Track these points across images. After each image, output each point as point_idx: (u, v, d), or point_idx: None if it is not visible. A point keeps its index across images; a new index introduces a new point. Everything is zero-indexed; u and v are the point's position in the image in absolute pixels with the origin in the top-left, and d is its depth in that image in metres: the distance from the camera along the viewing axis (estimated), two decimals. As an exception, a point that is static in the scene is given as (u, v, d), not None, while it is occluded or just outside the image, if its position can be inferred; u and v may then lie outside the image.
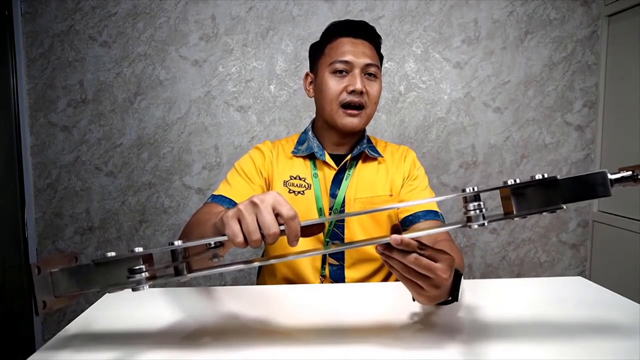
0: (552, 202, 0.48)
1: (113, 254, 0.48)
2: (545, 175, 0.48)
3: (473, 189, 0.48)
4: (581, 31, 1.92)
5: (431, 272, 0.52)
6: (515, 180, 0.48)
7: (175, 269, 0.50)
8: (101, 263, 0.49)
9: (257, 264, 0.52)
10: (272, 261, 0.53)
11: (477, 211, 0.48)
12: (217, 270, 0.51)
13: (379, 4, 1.88)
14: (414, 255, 0.51)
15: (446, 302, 0.63)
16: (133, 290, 0.47)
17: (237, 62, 1.89)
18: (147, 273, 0.47)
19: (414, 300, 0.60)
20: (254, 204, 0.50)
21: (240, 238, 0.49)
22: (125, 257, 0.48)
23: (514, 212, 0.48)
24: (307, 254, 0.54)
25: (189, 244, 0.49)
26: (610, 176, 0.48)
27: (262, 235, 0.49)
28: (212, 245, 0.50)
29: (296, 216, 0.50)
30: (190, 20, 1.86)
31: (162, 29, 1.86)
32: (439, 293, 0.56)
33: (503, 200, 0.50)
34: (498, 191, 0.50)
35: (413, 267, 0.52)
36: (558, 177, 0.48)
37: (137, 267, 0.47)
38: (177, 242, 0.49)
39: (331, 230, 0.96)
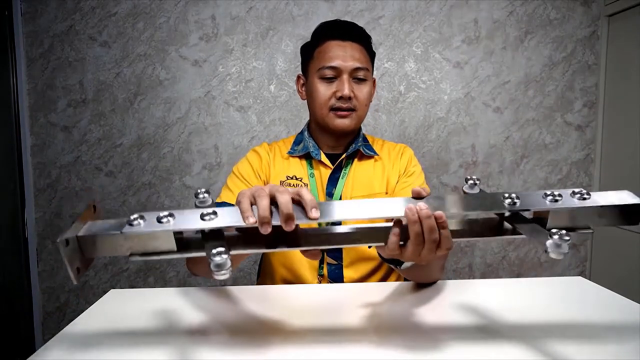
0: (582, 224, 0.49)
1: (141, 223, 0.48)
2: (586, 196, 0.48)
3: (514, 202, 0.49)
4: (581, 31, 1.92)
5: (441, 245, 0.52)
6: (555, 196, 0.48)
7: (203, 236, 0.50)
8: (129, 236, 0.49)
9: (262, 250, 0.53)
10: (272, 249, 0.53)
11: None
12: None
13: (379, 4, 1.88)
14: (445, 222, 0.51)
15: (392, 262, 0.73)
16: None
17: (237, 62, 1.89)
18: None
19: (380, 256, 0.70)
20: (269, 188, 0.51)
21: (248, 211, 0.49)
22: (154, 232, 0.48)
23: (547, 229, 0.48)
24: (313, 247, 0.53)
25: (221, 224, 0.49)
26: None
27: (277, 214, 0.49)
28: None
29: (308, 191, 0.51)
30: (190, 20, 1.87)
31: (162, 29, 1.86)
32: (425, 259, 0.54)
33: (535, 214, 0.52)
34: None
35: (439, 229, 0.51)
36: (601, 204, 0.49)
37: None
38: (208, 222, 0.48)
39: None
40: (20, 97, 1.85)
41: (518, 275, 2.00)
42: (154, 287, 1.48)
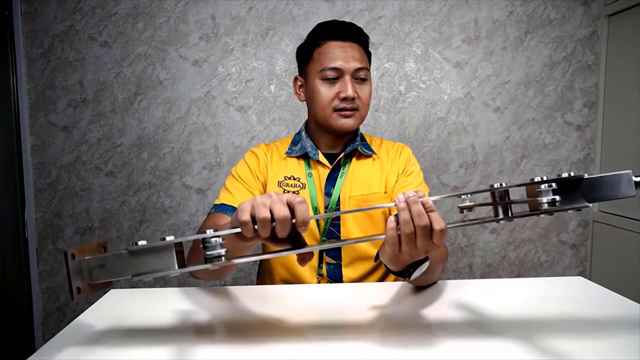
0: (576, 201, 0.49)
1: (145, 242, 0.50)
2: (572, 174, 0.49)
3: (501, 184, 0.51)
4: (581, 31, 1.92)
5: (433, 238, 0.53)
6: (542, 178, 0.49)
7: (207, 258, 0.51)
8: (134, 252, 0.50)
9: (264, 257, 0.54)
10: (268, 256, 0.54)
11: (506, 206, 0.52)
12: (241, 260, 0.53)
13: (379, 4, 1.88)
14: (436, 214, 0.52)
15: (402, 274, 0.68)
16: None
17: (237, 62, 1.89)
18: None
19: (376, 259, 0.74)
20: (268, 195, 0.53)
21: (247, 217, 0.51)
22: (157, 246, 0.49)
23: (540, 210, 0.49)
24: (307, 249, 0.55)
25: (220, 233, 0.50)
26: (634, 178, 0.49)
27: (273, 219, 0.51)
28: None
29: (304, 201, 0.52)
30: (190, 20, 1.87)
31: (162, 29, 1.86)
32: (416, 255, 0.56)
33: (529, 196, 0.53)
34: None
35: (429, 217, 0.52)
36: (585, 175, 0.49)
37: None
38: (209, 231, 0.49)
39: (327, 229, 0.96)
40: (20, 97, 1.85)
41: (518, 275, 2.00)
42: (154, 287, 1.48)
